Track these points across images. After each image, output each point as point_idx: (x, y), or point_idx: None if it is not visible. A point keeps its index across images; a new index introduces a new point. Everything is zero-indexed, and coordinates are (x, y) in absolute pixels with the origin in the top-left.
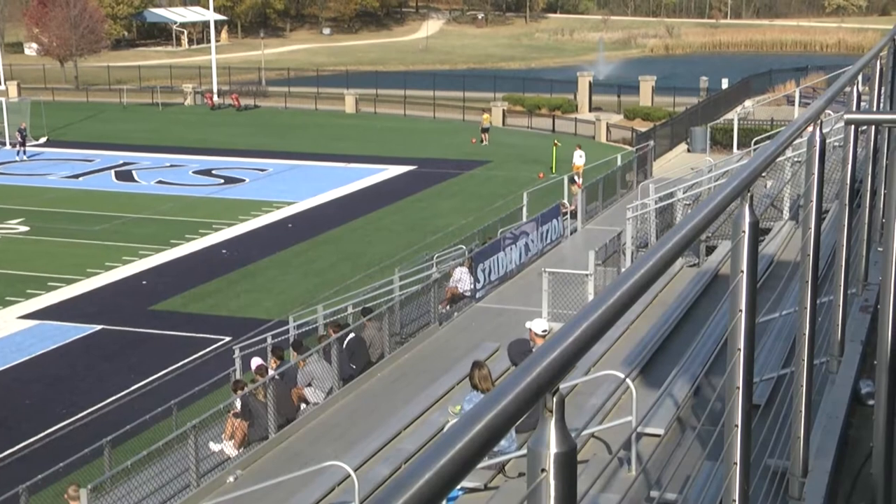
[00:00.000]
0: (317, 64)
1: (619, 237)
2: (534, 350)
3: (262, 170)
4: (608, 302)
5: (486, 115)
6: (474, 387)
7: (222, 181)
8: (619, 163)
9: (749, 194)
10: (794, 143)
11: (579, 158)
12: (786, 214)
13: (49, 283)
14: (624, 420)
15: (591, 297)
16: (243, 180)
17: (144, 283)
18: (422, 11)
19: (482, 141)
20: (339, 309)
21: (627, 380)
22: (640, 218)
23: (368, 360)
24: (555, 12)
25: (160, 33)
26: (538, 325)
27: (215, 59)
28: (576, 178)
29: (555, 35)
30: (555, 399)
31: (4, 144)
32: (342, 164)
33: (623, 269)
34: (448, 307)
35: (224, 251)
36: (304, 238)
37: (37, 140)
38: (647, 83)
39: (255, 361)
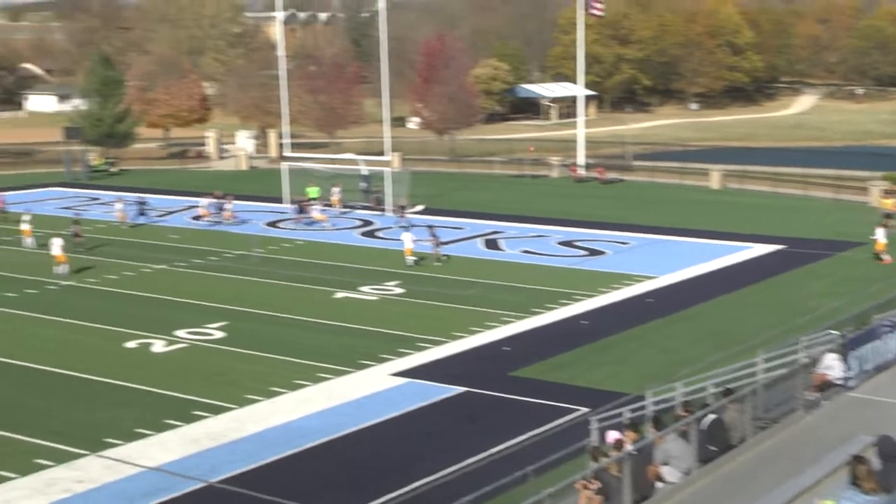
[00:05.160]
0: (682, 139)
1: None
2: None
3: (624, 243)
4: None
5: (888, 200)
6: (855, 484)
7: (585, 252)
8: None
9: None
10: None
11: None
12: None
13: (418, 344)
14: None
15: None
16: (605, 252)
17: (506, 348)
18: (794, 87)
19: (886, 226)
20: (698, 388)
21: None
22: None
23: (728, 442)
24: None
25: (530, 107)
26: None
27: (582, 133)
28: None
29: None
30: None
31: (386, 211)
32: (705, 240)
33: None
34: (816, 394)
35: (583, 322)
36: (663, 313)
37: (414, 207)
38: None
39: (612, 435)
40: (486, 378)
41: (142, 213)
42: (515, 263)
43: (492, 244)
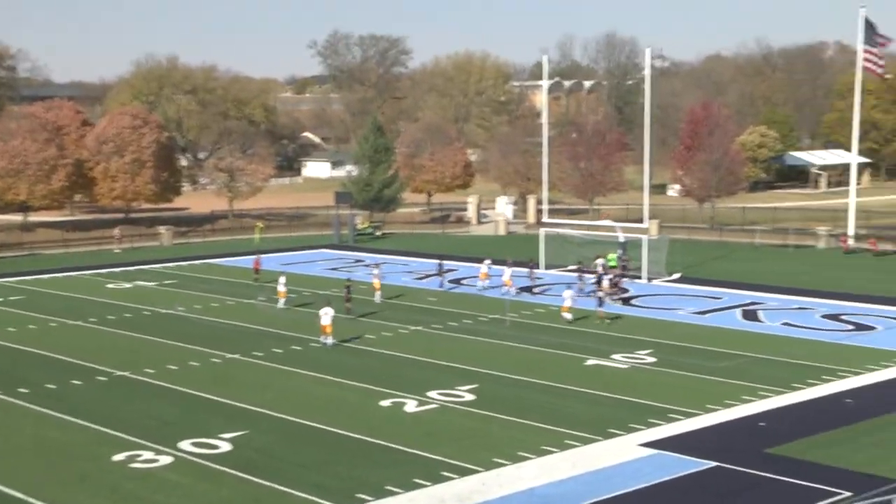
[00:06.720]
0: None
1: None
2: None
3: None
4: None
5: None
6: None
7: (852, 327)
8: None
9: None
10: None
11: None
12: None
13: (669, 415)
14: None
15: None
16: (875, 328)
17: (762, 424)
18: None
19: None
20: None
21: None
22: None
23: None
24: None
25: (797, 176)
26: None
27: (854, 202)
28: None
29: None
30: None
31: (643, 279)
32: None
33: None
34: None
35: (848, 400)
36: None
37: (670, 276)
38: None
39: None
40: (740, 454)
41: (440, 275)
42: (775, 336)
43: (750, 315)
